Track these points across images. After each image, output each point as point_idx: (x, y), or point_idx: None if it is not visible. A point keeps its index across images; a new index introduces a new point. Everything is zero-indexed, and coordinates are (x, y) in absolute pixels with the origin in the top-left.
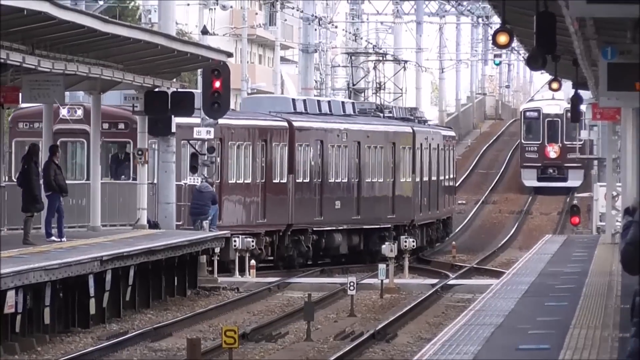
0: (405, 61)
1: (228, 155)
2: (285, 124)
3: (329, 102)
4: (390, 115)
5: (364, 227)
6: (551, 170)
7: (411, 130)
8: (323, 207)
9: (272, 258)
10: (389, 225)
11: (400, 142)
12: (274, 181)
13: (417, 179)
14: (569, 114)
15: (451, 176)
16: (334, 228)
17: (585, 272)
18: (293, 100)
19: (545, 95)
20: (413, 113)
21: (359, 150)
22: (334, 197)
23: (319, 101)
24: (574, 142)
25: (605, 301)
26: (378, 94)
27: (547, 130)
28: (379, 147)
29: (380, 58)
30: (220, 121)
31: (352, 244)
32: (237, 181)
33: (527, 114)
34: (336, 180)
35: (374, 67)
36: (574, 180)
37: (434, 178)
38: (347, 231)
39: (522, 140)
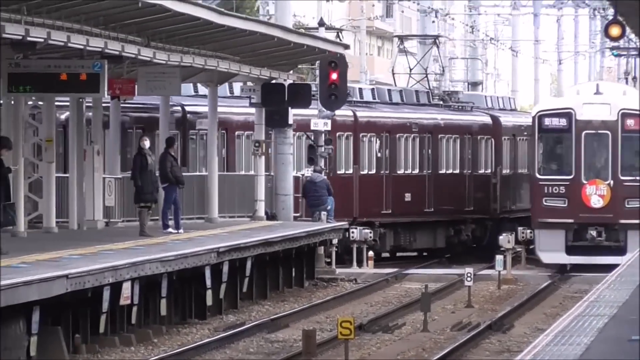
0: (436, 36)
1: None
2: None
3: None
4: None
5: None
6: (594, 233)
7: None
8: None
9: None
10: None
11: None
12: None
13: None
14: (628, 122)
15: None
16: None
17: None
18: None
19: (583, 89)
20: (447, 97)
21: None
22: None
23: None
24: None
25: None
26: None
27: (587, 156)
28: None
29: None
30: None
31: None
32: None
33: (547, 122)
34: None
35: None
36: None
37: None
38: None
39: (537, 174)
